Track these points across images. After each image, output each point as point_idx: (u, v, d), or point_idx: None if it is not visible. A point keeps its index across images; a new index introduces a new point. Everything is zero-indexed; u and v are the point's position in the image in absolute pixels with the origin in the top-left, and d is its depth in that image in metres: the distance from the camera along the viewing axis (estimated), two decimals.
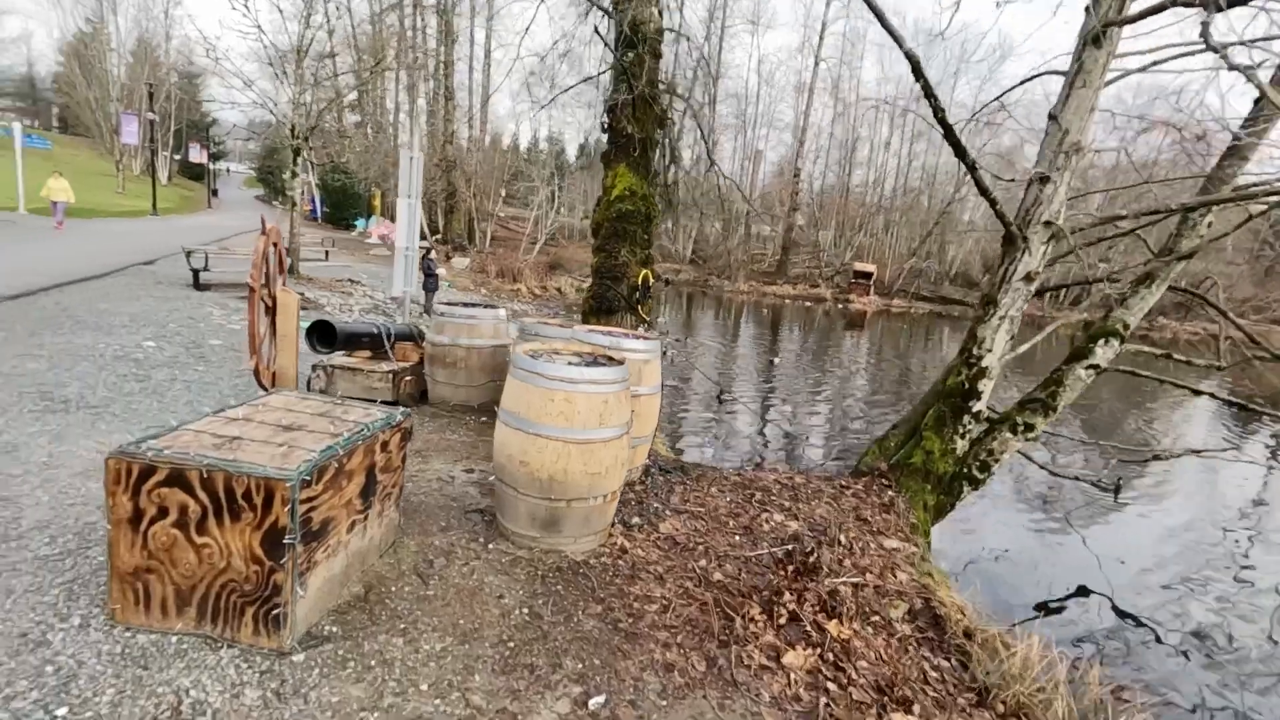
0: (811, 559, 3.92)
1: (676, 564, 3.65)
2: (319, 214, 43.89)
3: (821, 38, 44.78)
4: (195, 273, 12.27)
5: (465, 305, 6.21)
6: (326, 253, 21.75)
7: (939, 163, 48.66)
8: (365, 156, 31.07)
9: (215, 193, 48.52)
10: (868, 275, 40.54)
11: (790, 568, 3.82)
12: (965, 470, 5.63)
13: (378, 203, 38.67)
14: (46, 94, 62.69)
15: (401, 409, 3.34)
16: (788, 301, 38.30)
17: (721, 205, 50.58)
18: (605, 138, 7.12)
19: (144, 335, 7.86)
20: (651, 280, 7.21)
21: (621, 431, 3.52)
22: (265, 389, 4.61)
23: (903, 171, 49.98)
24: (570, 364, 3.50)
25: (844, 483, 5.70)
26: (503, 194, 42.84)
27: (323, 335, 5.97)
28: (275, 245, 4.57)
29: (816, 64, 45.81)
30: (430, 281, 15.93)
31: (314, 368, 6.07)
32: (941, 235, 44.33)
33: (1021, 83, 6.45)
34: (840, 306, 38.39)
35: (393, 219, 40.97)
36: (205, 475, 2.31)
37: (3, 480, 3.57)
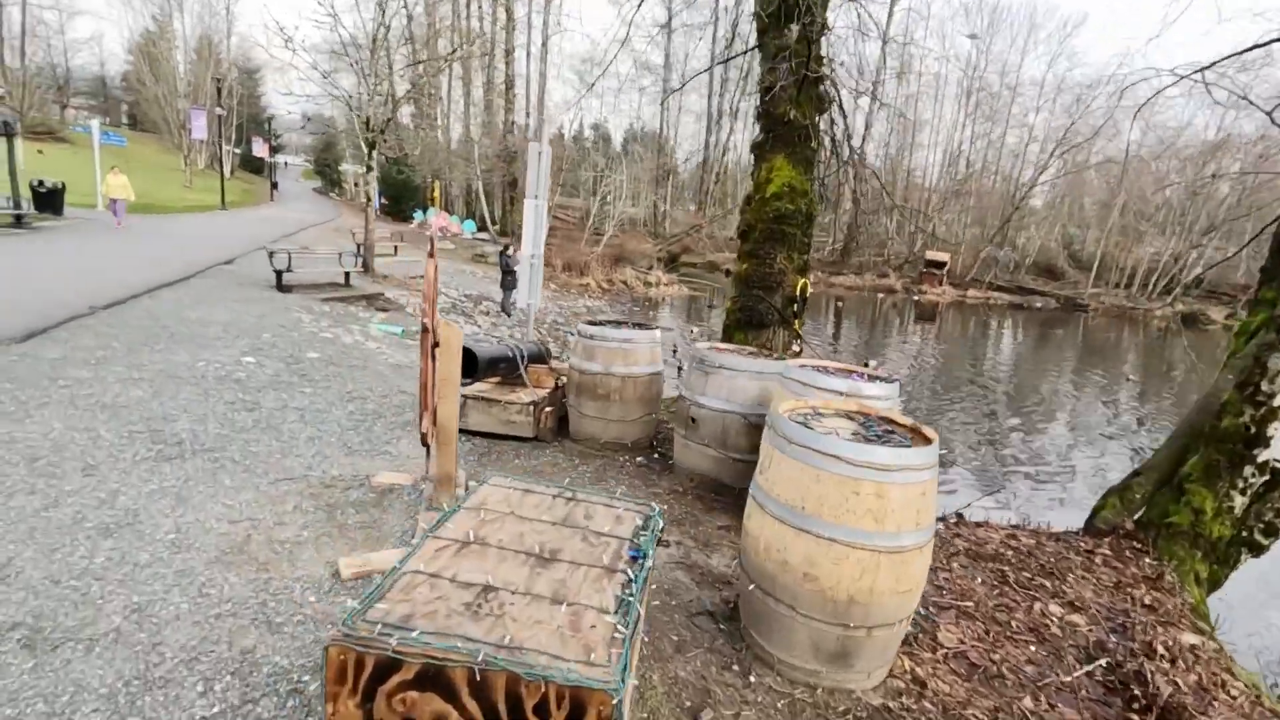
0: (1149, 688, 2.95)
1: (994, 702, 2.70)
2: (378, 206, 44.05)
3: (891, 14, 42.61)
4: (278, 274, 11.78)
5: (614, 325, 5.34)
6: (396, 247, 21.31)
7: (1003, 145, 46.10)
8: (429, 148, 30.67)
9: (275, 185, 49.13)
10: (940, 264, 38.57)
11: (1135, 707, 2.85)
12: (1245, 534, 4.52)
13: (437, 194, 38.45)
14: (116, 92, 64.59)
15: (654, 509, 2.46)
16: (856, 292, 36.69)
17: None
18: (758, 126, 6.15)
19: (240, 348, 7.26)
20: (809, 291, 6.24)
21: (933, 531, 2.59)
22: (428, 447, 3.81)
23: (975, 154, 47.49)
24: (867, 439, 2.58)
25: (1085, 545, 4.66)
26: (573, 186, 42.25)
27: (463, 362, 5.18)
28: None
29: (884, 43, 43.56)
30: (509, 279, 15.21)
31: None
32: (1018, 221, 41.94)
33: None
34: (912, 297, 36.60)
35: (450, 211, 40.80)
36: (478, 677, 1.46)
37: (130, 574, 2.84)
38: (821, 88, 5.90)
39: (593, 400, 5.02)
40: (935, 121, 49.35)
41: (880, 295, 35.81)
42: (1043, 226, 43.24)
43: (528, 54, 37.95)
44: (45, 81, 46.48)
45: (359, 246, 20.17)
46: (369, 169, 15.46)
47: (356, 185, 62.86)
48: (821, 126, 5.97)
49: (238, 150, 58.77)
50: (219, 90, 31.62)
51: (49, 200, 17.93)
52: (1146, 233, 41.40)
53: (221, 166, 32.31)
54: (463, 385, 5.22)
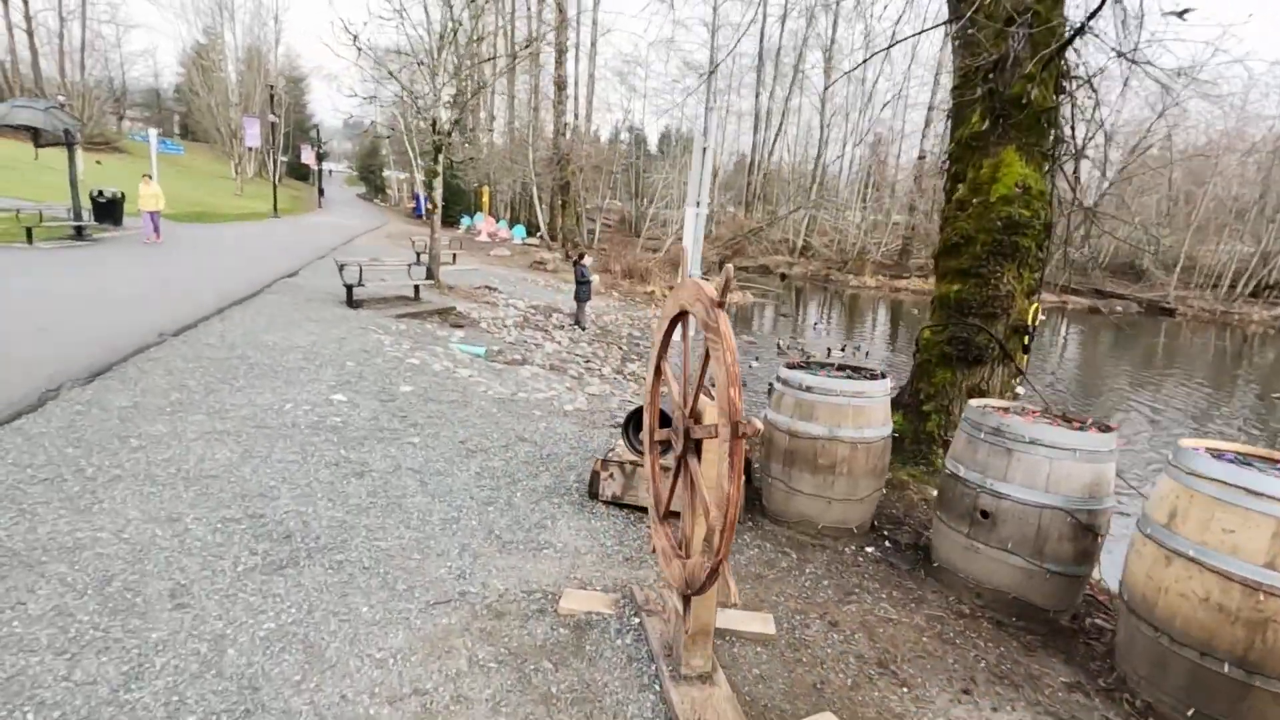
0: None
1: None
2: (423, 211, 43.66)
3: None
4: (349, 289, 10.86)
5: (833, 370, 4.13)
6: (454, 255, 20.46)
7: None
8: (477, 153, 29.93)
9: (322, 192, 49.23)
10: None
11: None
12: None
13: (486, 199, 37.79)
14: (169, 103, 65.86)
15: None
16: (921, 297, 34.87)
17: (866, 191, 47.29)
18: (976, 113, 4.88)
19: (327, 382, 6.26)
20: (1041, 318, 4.98)
21: None
22: (687, 597, 2.57)
23: None
24: None
25: None
26: (613, 189, 41.26)
27: (638, 423, 4.04)
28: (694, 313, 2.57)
29: (946, 36, 41.60)
30: (583, 290, 14.14)
31: (604, 463, 4.16)
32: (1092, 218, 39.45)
33: None
34: None
35: (496, 217, 40.14)
36: None
37: None
38: (1064, 60, 4.62)
39: (811, 473, 3.80)
40: None
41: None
42: (1118, 228, 40.71)
43: (576, 54, 37.09)
44: (103, 93, 47.24)
45: (418, 255, 19.47)
46: (435, 174, 14.54)
47: (400, 191, 63.10)
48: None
49: (284, 158, 59.39)
50: (271, 97, 31.36)
51: (109, 210, 17.49)
52: (1231, 230, 38.67)
53: (275, 174, 32.05)
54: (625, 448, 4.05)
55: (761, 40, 47.60)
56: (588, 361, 10.90)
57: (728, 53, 23.77)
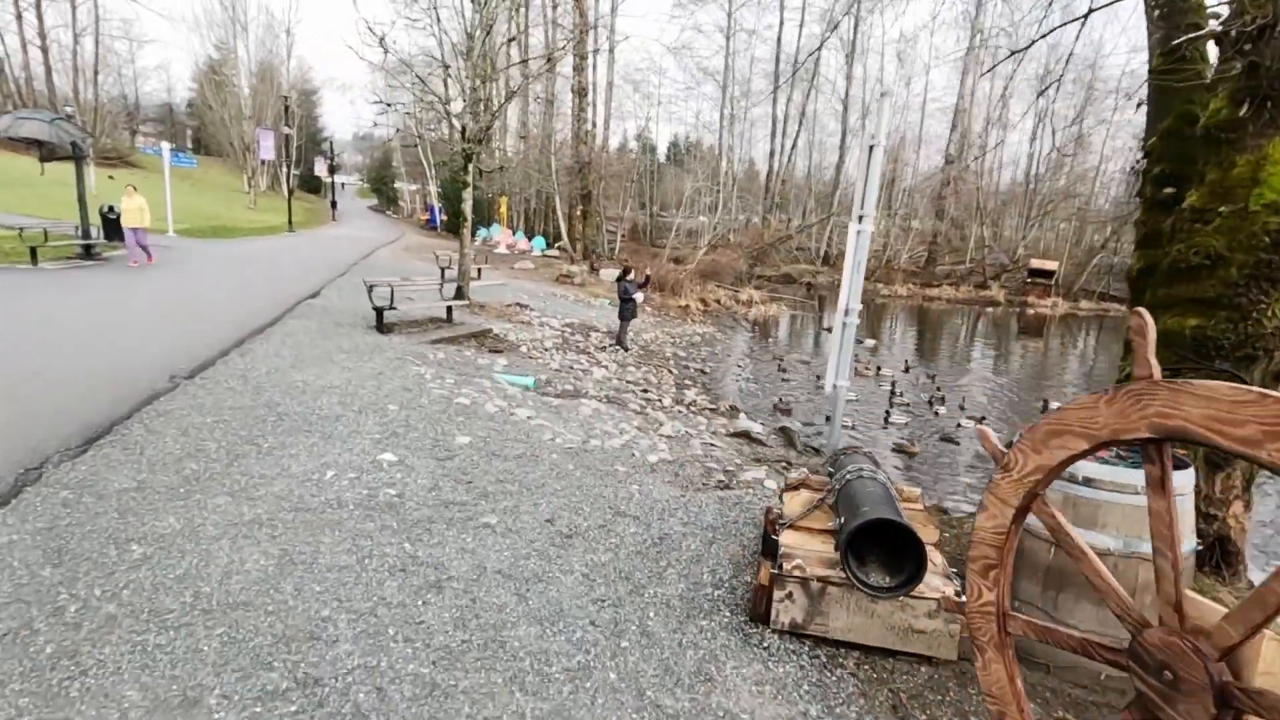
0: None
1: None
2: (437, 223, 42.81)
3: (980, 3, 39.50)
4: (379, 312, 9.83)
5: (1123, 450, 3.01)
6: (479, 270, 19.46)
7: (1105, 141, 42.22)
8: (514, 161, 29.06)
9: (335, 205, 48.53)
10: (1048, 274, 35.14)
11: None
12: None
13: (504, 210, 36.91)
14: (181, 117, 65.65)
15: None
16: (955, 306, 33.62)
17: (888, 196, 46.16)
18: (1220, 97, 3.77)
19: (370, 435, 5.19)
20: None
21: None
22: None
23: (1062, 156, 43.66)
24: None
25: None
26: (632, 198, 40.31)
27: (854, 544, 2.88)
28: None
29: (974, 34, 40.58)
30: (628, 308, 13.06)
31: (776, 578, 3.04)
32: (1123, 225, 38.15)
33: None
34: (1014, 310, 33.32)
35: (514, 228, 39.25)
36: None
37: None
38: None
39: (1093, 601, 2.68)
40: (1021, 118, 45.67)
41: (980, 309, 32.65)
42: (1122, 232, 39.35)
43: (594, 61, 36.23)
44: (116, 108, 46.86)
45: (443, 271, 18.49)
46: (466, 184, 13.52)
47: (413, 202, 62.47)
48: None
49: (296, 171, 58.92)
50: (286, 109, 30.63)
51: (119, 226, 16.59)
52: None
53: (290, 187, 31.29)
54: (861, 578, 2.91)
55: (779, 44, 46.66)
56: (644, 391, 9.80)
57: (809, 55, 22.58)
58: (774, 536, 3.24)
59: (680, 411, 8.94)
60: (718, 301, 23.60)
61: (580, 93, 30.35)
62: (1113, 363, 20.05)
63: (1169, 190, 4.37)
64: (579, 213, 31.32)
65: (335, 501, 3.98)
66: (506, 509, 4.26)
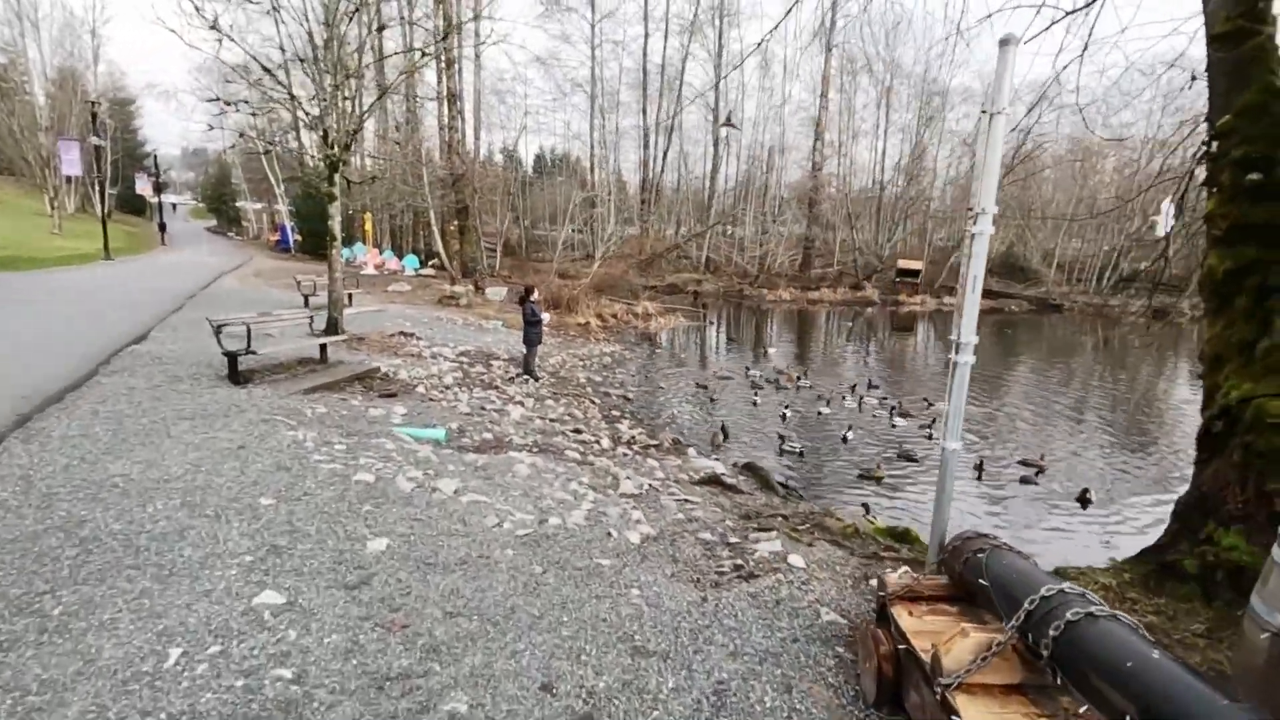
0: None
1: None
2: (290, 244, 38.58)
3: (833, 21, 41.42)
4: (231, 359, 7.76)
5: None
6: (350, 295, 17.12)
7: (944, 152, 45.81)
8: (386, 170, 26.40)
9: (164, 228, 42.56)
10: (914, 273, 37.23)
11: None
12: None
13: (369, 227, 33.82)
14: None
15: None
16: (836, 307, 34.68)
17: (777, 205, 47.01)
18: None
19: (239, 560, 3.51)
20: None
21: None
22: None
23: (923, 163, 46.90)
24: None
25: None
26: (508, 212, 38.38)
27: None
28: None
29: (829, 51, 42.57)
30: (534, 332, 11.58)
31: None
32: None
33: None
34: (890, 309, 34.93)
35: (381, 246, 36.14)
36: None
37: None
38: None
39: None
40: (876, 126, 48.47)
41: (858, 309, 33.88)
42: (999, 228, 42.97)
43: (461, 67, 34.18)
44: None
45: (307, 300, 16.01)
46: (332, 198, 11.46)
47: (260, 223, 56.50)
48: None
49: (114, 190, 51.47)
50: (94, 117, 26.13)
51: None
52: (1088, 228, 41.86)
53: (104, 207, 26.73)
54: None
55: (645, 55, 46.67)
56: (575, 431, 8.40)
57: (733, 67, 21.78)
58: (929, 692, 2.06)
59: (625, 455, 7.63)
60: (614, 316, 22.47)
61: (449, 100, 28.27)
62: (982, 356, 21.00)
63: (1255, 176, 3.69)
64: (455, 228, 29.13)
65: (189, 715, 2.35)
66: (475, 674, 2.79)
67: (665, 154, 46.87)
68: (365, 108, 11.82)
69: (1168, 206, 5.43)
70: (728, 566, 4.13)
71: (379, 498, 4.70)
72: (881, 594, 2.84)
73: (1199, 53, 4.16)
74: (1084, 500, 7.39)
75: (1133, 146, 41.29)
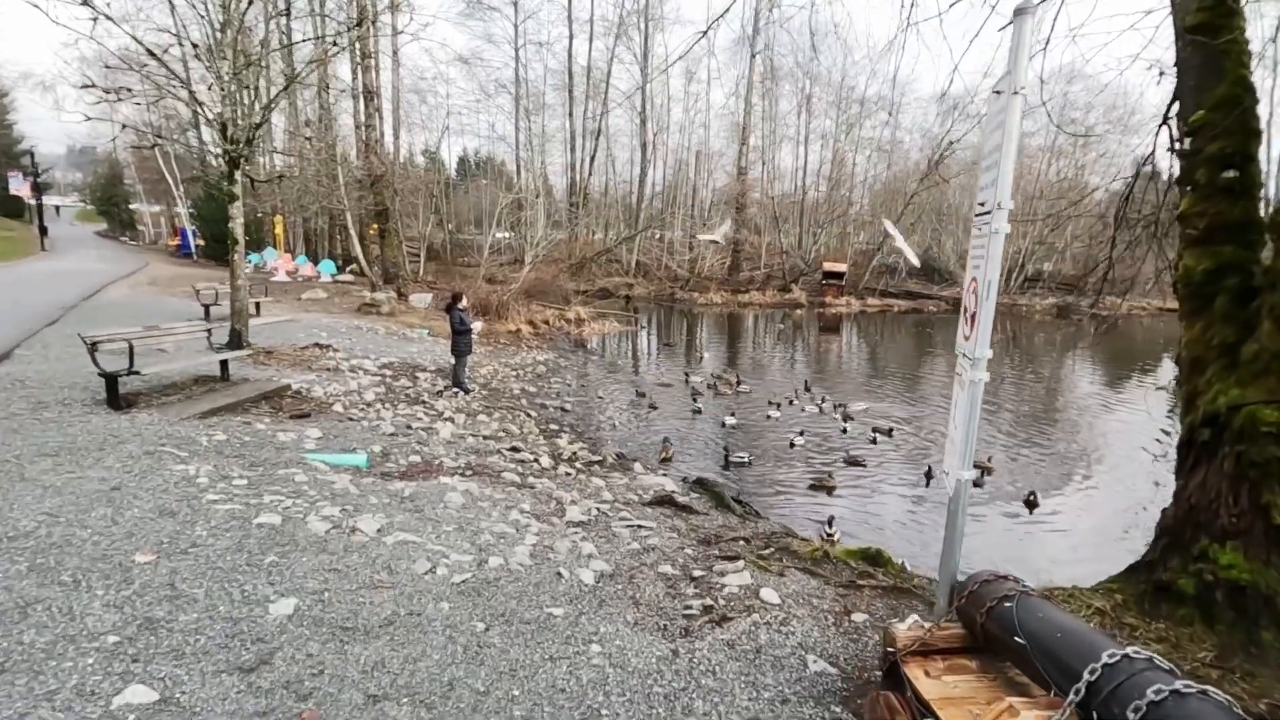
0: None
1: None
2: (191, 249, 35.90)
3: (756, 28, 42.06)
4: (110, 380, 6.75)
5: None
6: (258, 304, 15.83)
7: (864, 156, 47.41)
8: (296, 169, 24.72)
9: (45, 231, 38.76)
10: (839, 275, 38.11)
11: None
12: None
13: (280, 231, 31.78)
14: None
15: None
16: (766, 309, 35.08)
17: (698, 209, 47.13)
18: None
19: (99, 642, 2.80)
20: None
21: None
22: None
23: (855, 167, 48.28)
24: None
25: None
26: (431, 215, 36.99)
27: None
28: None
29: (753, 56, 43.17)
30: (462, 342, 10.85)
31: None
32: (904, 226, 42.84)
33: None
34: (818, 310, 35.64)
35: (293, 251, 34.07)
36: None
37: None
38: None
39: None
40: (801, 131, 49.56)
41: (787, 310, 34.39)
42: (912, 231, 44.65)
43: (377, 61, 32.67)
44: None
45: (207, 310, 14.64)
46: (233, 198, 10.39)
47: (158, 226, 52.40)
48: None
49: None
50: None
51: None
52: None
53: None
54: None
55: (570, 57, 46.17)
56: (512, 449, 7.78)
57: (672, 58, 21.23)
58: None
59: (567, 475, 7.09)
60: (546, 322, 21.79)
61: (366, 96, 26.85)
62: (902, 354, 21.55)
63: (1231, 174, 3.55)
64: (375, 232, 27.68)
65: None
66: None
67: (593, 158, 46.43)
68: (270, 99, 10.77)
69: (890, 225, 5.34)
70: (696, 607, 3.68)
71: (286, 545, 4.01)
72: (891, 651, 2.45)
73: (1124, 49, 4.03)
74: (1030, 503, 7.37)
75: (1030, 155, 44.02)
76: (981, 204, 2.43)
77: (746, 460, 8.66)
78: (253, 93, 10.35)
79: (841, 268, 38.46)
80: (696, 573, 4.20)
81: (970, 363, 2.45)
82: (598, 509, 5.59)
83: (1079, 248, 46.71)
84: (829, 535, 5.82)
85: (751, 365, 17.77)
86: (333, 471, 5.81)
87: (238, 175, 10.42)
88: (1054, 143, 43.82)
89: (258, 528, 4.18)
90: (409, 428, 8.03)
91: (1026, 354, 23.73)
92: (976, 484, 8.19)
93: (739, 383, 13.88)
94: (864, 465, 8.63)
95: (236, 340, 10.48)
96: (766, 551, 4.65)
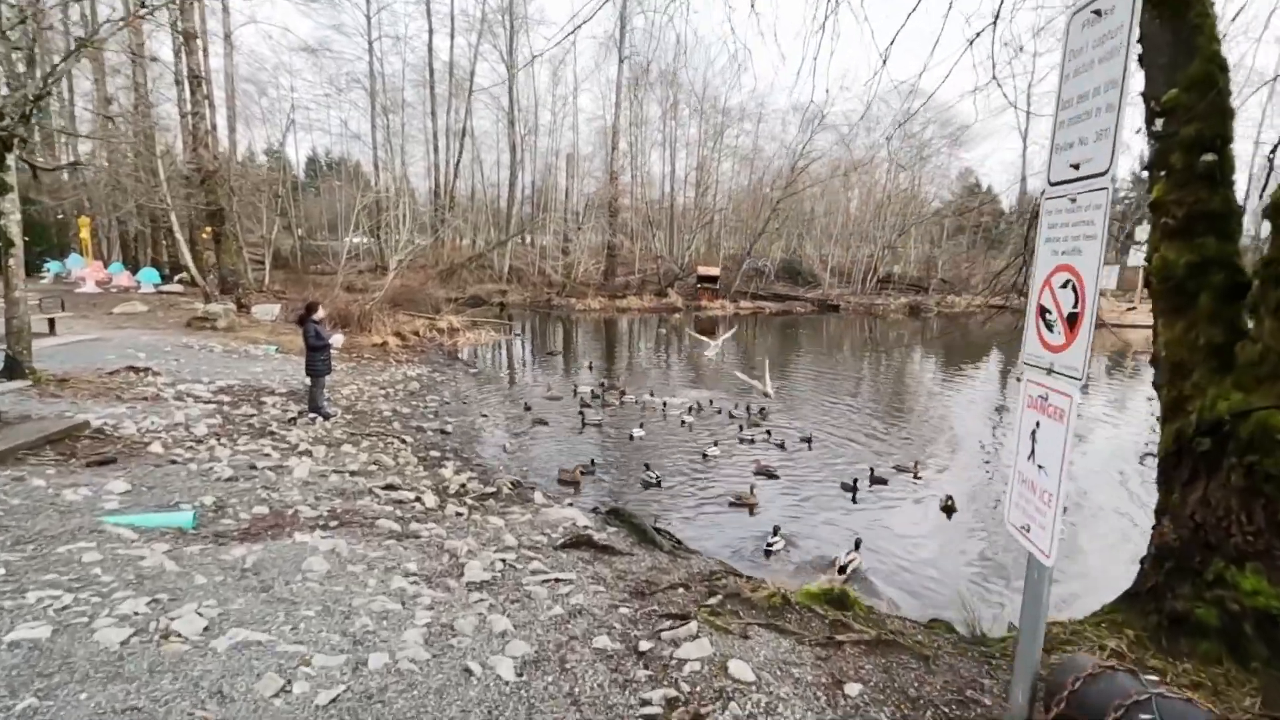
0: None
1: None
2: None
3: (623, 31, 41.98)
4: None
5: None
6: (51, 321, 13.15)
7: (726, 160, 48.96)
8: (97, 161, 21.06)
9: None
10: (713, 279, 38.74)
11: None
12: None
13: (87, 235, 27.25)
14: None
15: None
16: (645, 314, 34.88)
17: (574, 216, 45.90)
18: None
19: None
20: None
21: None
22: None
23: (725, 170, 49.38)
24: None
25: None
26: (282, 218, 33.44)
27: None
28: None
29: (621, 62, 43.05)
30: (319, 360, 9.32)
31: None
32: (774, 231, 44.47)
33: None
34: (694, 314, 35.98)
35: (104, 259, 29.41)
36: None
37: None
38: None
39: None
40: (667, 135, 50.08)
41: (663, 315, 34.39)
42: (776, 238, 46.47)
43: (205, 46, 29.03)
44: None
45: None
46: (4, 187, 8.24)
47: None
48: None
49: None
50: None
51: None
52: (855, 236, 47.18)
53: None
54: None
55: (430, 53, 43.92)
56: (389, 487, 6.54)
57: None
58: None
59: (458, 515, 5.98)
60: (416, 333, 20.02)
61: (193, 81, 23.57)
62: (781, 353, 22.02)
63: (1210, 158, 3.26)
64: (208, 236, 24.35)
65: None
66: None
67: (458, 160, 44.25)
68: (53, 67, 8.65)
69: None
70: (657, 702, 2.84)
71: (55, 672, 2.74)
72: None
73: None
74: (948, 509, 7.21)
75: (867, 167, 47.32)
76: (1075, 166, 1.83)
77: (656, 479, 7.94)
78: (27, 57, 8.27)
79: (715, 272, 39.13)
80: (643, 644, 3.37)
81: (1067, 380, 1.83)
82: (502, 561, 4.60)
83: (918, 251, 51.07)
84: (771, 546, 5.30)
85: (637, 372, 17.17)
86: (143, 540, 4.41)
87: (10, 160, 8.29)
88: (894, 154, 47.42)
89: (9, 649, 2.85)
90: (253, 468, 6.56)
91: (880, 347, 24.99)
92: (879, 481, 8.05)
93: (623, 393, 13.19)
94: (777, 477, 8.18)
95: (13, 368, 8.32)
96: (714, 602, 3.92)
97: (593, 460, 8.65)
